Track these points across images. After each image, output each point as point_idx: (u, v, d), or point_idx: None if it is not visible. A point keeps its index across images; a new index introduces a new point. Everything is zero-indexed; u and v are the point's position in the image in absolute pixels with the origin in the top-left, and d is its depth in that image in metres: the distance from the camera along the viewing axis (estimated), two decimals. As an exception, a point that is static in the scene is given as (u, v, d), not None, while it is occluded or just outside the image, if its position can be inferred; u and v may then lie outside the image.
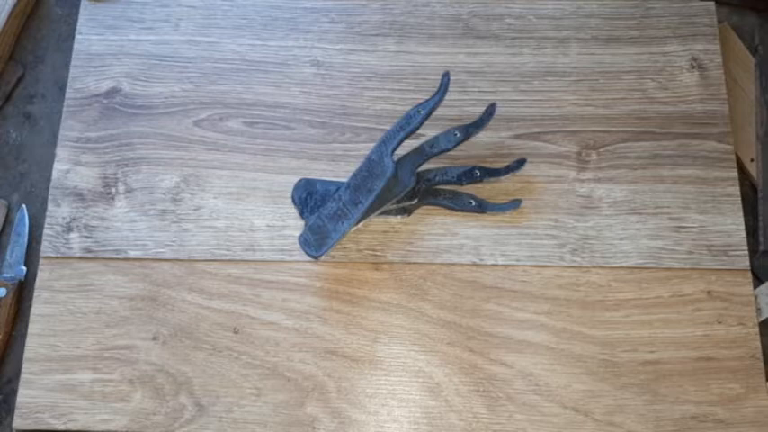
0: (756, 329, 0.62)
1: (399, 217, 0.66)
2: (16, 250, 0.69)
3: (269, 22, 0.73)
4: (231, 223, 0.66)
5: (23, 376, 0.62)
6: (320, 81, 0.71)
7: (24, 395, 0.61)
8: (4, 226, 0.71)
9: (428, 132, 0.66)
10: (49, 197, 0.67)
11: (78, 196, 0.67)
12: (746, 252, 0.65)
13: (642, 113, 0.69)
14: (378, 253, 0.65)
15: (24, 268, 0.68)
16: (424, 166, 0.65)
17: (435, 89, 0.62)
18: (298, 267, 0.65)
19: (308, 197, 0.65)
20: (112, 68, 0.71)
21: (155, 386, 0.61)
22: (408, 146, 0.64)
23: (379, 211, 0.64)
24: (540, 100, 0.70)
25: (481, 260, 0.65)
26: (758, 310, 0.64)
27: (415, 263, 0.65)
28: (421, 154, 0.64)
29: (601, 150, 0.68)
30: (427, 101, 0.62)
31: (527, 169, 0.67)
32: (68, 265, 0.65)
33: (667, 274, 0.64)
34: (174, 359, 0.62)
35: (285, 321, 0.63)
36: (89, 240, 0.66)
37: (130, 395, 0.61)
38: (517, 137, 0.69)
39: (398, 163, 0.63)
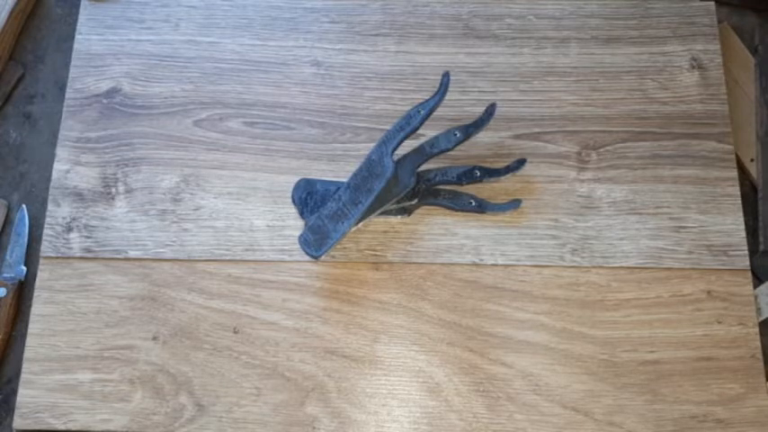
0: (756, 329, 0.62)
1: (399, 217, 0.66)
2: (16, 250, 0.69)
3: (269, 22, 0.73)
4: (231, 223, 0.66)
5: (23, 376, 0.62)
6: (320, 81, 0.71)
7: (24, 395, 0.61)
8: (4, 226, 0.71)
9: (428, 132, 0.66)
10: (49, 197, 0.67)
11: (78, 196, 0.67)
12: (746, 252, 0.65)
13: (642, 113, 0.69)
14: (378, 253, 0.65)
15: (24, 268, 0.68)
16: (424, 166, 0.65)
17: (435, 89, 0.62)
18: (298, 267, 0.65)
19: (308, 197, 0.65)
20: (112, 68, 0.71)
21: (155, 386, 0.61)
22: (408, 146, 0.64)
23: (379, 211, 0.64)
24: (540, 100, 0.70)
25: (481, 260, 0.65)
26: (758, 310, 0.64)
27: (414, 263, 0.65)
28: (421, 154, 0.64)
29: (601, 150, 0.68)
30: (427, 101, 0.62)
31: (527, 169, 0.67)
32: (68, 265, 0.65)
33: (667, 274, 0.64)
34: (174, 359, 0.62)
35: (285, 321, 0.63)
36: (89, 240, 0.66)
37: (130, 395, 0.61)
38: (517, 137, 0.69)
39: (398, 163, 0.63)
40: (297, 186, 0.66)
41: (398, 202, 0.64)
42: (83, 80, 0.71)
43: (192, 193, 0.67)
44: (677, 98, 0.70)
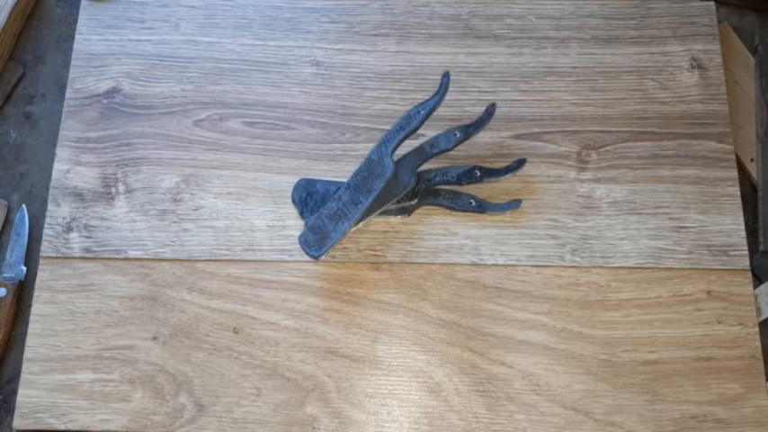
0: (756, 329, 0.62)
1: (399, 217, 0.66)
2: (16, 250, 0.69)
3: (269, 22, 0.73)
4: (231, 223, 0.66)
5: (23, 376, 0.62)
6: (320, 81, 0.71)
7: (24, 395, 0.61)
8: (4, 226, 0.71)
9: (428, 132, 0.66)
10: (49, 197, 0.67)
11: (78, 196, 0.67)
12: (746, 252, 0.65)
13: (642, 113, 0.69)
14: (378, 253, 0.65)
15: (24, 268, 0.68)
16: (424, 166, 0.65)
17: (435, 89, 0.62)
18: (298, 267, 0.65)
19: (308, 197, 0.65)
20: (112, 68, 0.71)
21: (155, 386, 0.61)
22: (408, 146, 0.64)
23: (379, 211, 0.64)
24: (540, 100, 0.70)
25: (481, 260, 0.65)
26: (758, 310, 0.64)
27: (415, 263, 0.65)
28: (421, 154, 0.64)
29: (601, 150, 0.68)
30: (427, 101, 0.62)
31: (527, 169, 0.67)
32: (68, 265, 0.65)
33: (667, 274, 0.64)
34: (174, 359, 0.62)
35: (285, 321, 0.63)
36: (89, 240, 0.66)
37: (130, 395, 0.61)
38: (517, 137, 0.69)
39: (398, 163, 0.63)
40: (297, 186, 0.66)
41: (398, 202, 0.64)
42: (83, 80, 0.71)
43: (192, 193, 0.67)
44: (677, 98, 0.70)
